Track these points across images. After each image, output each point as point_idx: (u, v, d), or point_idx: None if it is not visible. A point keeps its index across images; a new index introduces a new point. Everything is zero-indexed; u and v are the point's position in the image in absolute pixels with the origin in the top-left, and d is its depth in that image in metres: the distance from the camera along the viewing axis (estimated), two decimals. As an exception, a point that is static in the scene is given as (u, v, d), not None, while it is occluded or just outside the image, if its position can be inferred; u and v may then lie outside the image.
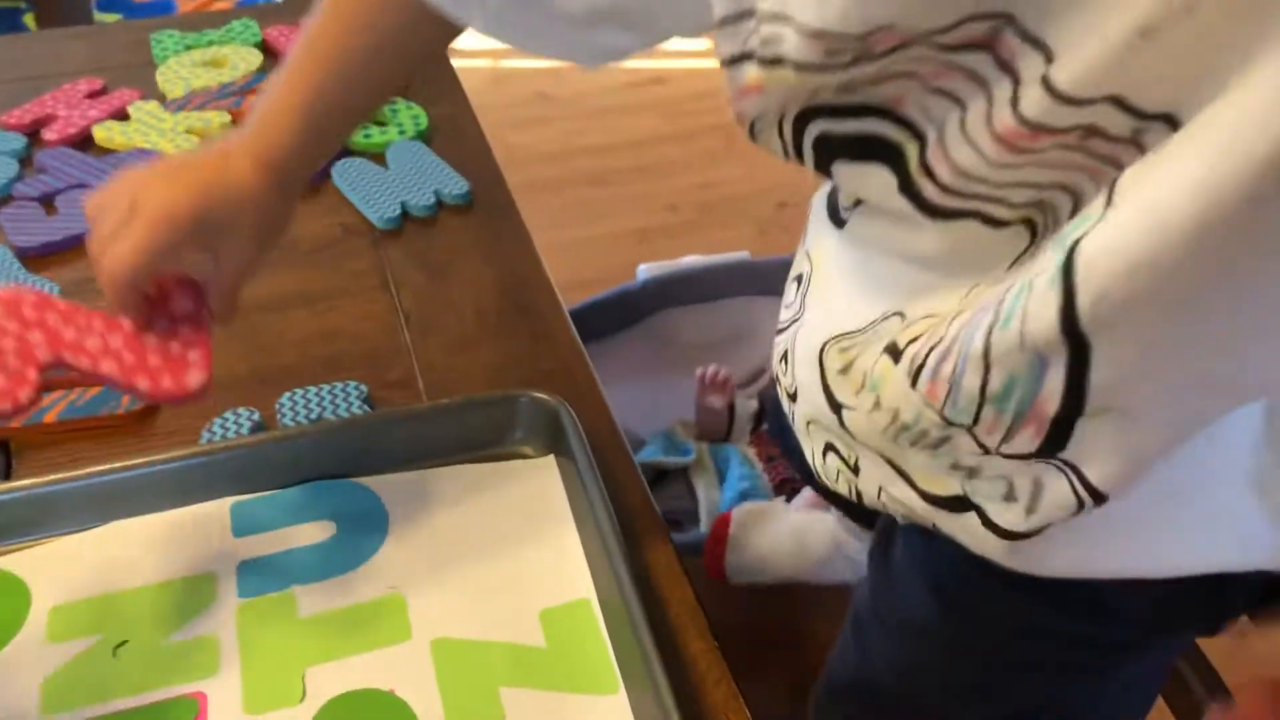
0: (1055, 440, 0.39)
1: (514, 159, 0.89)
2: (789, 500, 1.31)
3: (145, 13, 2.49)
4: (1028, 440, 0.40)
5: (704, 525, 1.41)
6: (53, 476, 0.62)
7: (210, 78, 0.99)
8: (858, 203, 0.46)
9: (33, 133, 0.94)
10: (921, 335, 0.42)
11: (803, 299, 0.53)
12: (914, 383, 0.41)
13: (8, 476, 0.66)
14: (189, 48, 1.04)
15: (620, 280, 1.72)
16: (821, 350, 0.49)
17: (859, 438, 0.47)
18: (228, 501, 0.63)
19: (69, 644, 0.57)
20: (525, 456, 0.66)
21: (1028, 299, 0.36)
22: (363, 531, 0.62)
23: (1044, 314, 0.35)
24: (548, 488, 0.64)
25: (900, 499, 0.49)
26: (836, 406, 0.47)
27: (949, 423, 0.41)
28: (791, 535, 1.21)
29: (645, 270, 1.72)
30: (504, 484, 0.64)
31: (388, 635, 0.57)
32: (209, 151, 0.56)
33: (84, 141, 0.94)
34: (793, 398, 0.53)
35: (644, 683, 0.53)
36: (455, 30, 0.56)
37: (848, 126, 0.40)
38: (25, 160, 0.91)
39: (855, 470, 0.50)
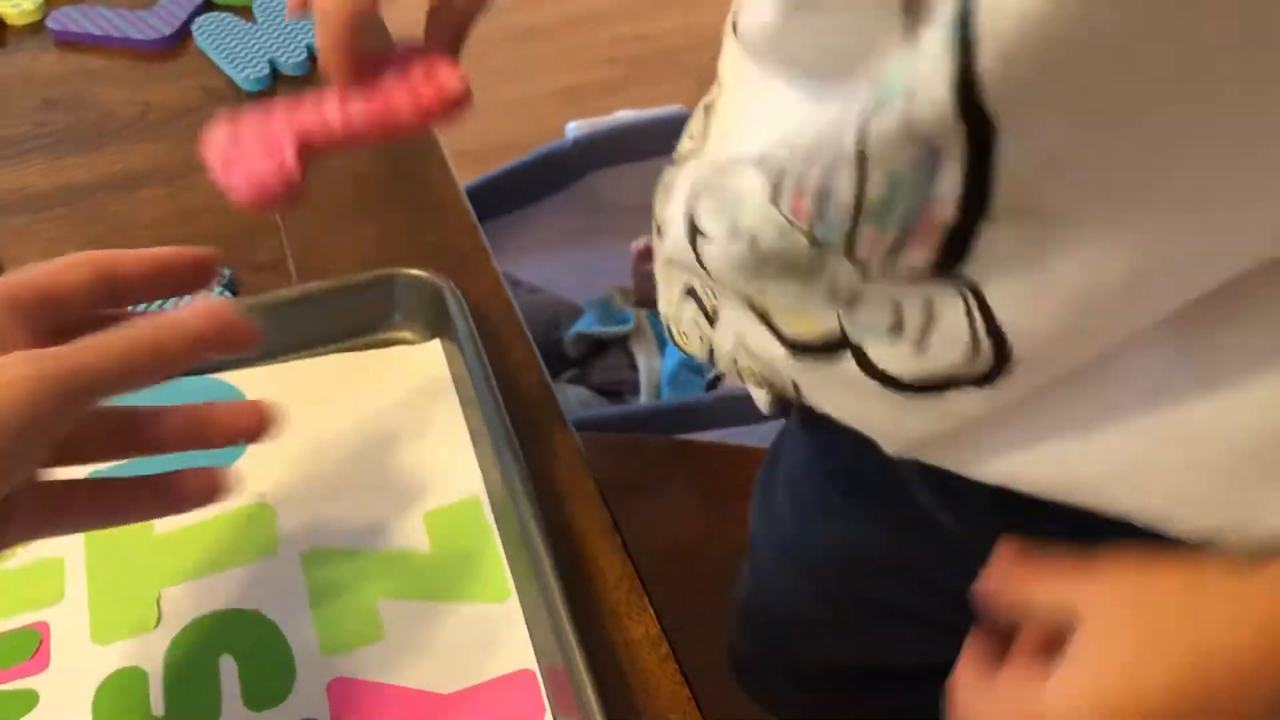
0: (952, 251, 0.31)
1: (407, 21, 0.79)
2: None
3: None
4: (918, 257, 0.32)
5: (644, 395, 1.36)
6: None
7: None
8: None
9: None
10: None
11: (705, 127, 0.46)
12: (774, 197, 0.34)
13: None
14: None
15: (550, 141, 1.62)
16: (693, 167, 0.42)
17: (714, 275, 0.39)
18: (73, 407, 0.56)
19: (-107, 576, 0.50)
20: (406, 342, 0.59)
21: (912, 72, 0.28)
22: (225, 434, 0.55)
23: (934, 86, 0.27)
24: (431, 376, 0.58)
25: (758, 352, 0.41)
26: (694, 234, 0.40)
27: (819, 244, 0.34)
28: None
29: (575, 128, 1.63)
30: (383, 373, 0.58)
31: (253, 550, 0.51)
32: None
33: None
34: (659, 232, 0.46)
35: (535, 587, 0.48)
36: None
37: None
38: None
39: (712, 319, 0.43)
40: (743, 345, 0.42)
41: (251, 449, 0.54)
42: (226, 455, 0.54)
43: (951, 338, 0.34)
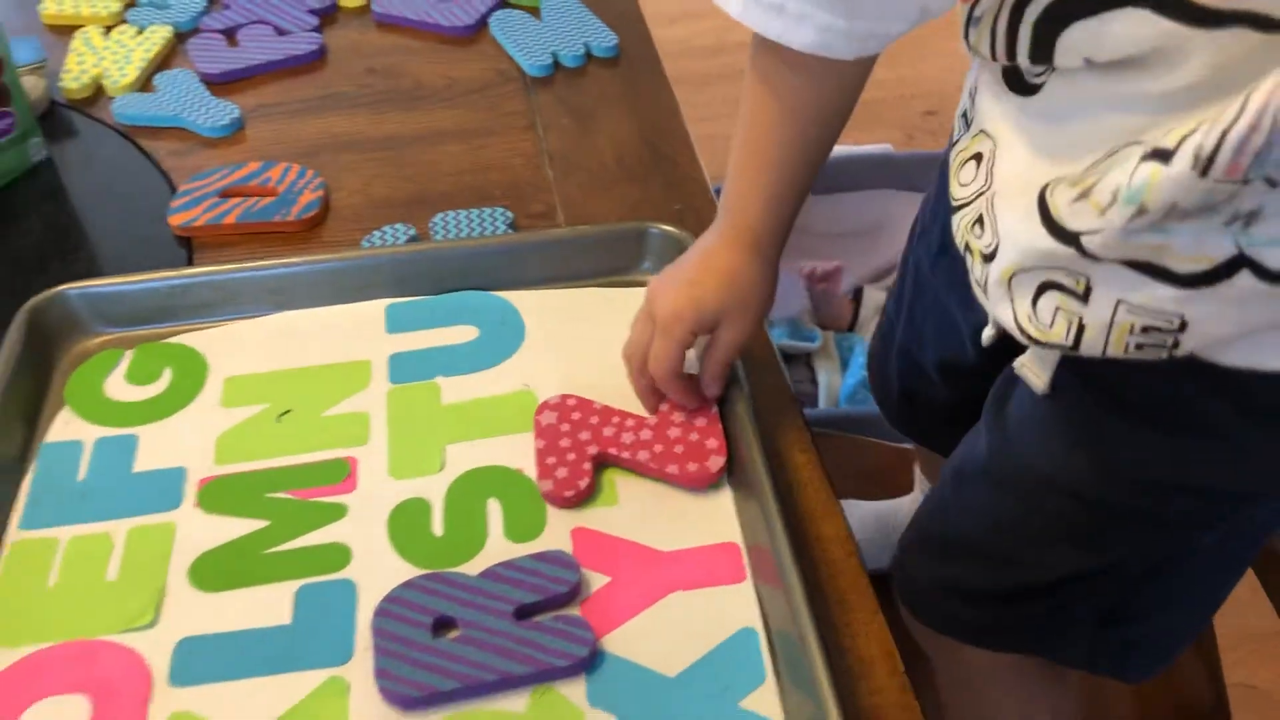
0: None
1: (667, 52, 0.91)
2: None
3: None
4: None
5: (822, 404, 1.44)
6: (232, 265, 0.69)
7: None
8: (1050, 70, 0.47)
9: (219, -27, 1.01)
10: (1198, 129, 0.41)
11: (989, 171, 0.55)
12: (1204, 172, 0.41)
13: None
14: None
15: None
16: (1042, 193, 0.49)
17: (1104, 255, 0.47)
18: (383, 303, 0.69)
19: (240, 409, 0.64)
20: (653, 284, 0.70)
21: None
22: (502, 337, 0.67)
23: None
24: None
25: (1144, 303, 0.48)
26: (1071, 237, 0.48)
27: (1246, 182, 0.41)
28: (876, 522, 1.16)
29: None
30: (630, 307, 0.69)
31: (518, 424, 0.62)
32: (695, 254, 0.62)
33: (265, -16, 1.00)
34: (988, 258, 0.54)
35: (746, 479, 0.57)
36: (859, 81, 0.60)
37: None
38: (212, -3, 0.98)
39: (1085, 297, 0.50)
40: (1124, 303, 0.49)
41: (521, 352, 0.66)
42: (503, 351, 0.66)
43: None
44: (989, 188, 0.54)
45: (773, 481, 0.56)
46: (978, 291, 0.57)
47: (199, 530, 0.58)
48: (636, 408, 0.62)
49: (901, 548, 0.75)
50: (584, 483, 0.58)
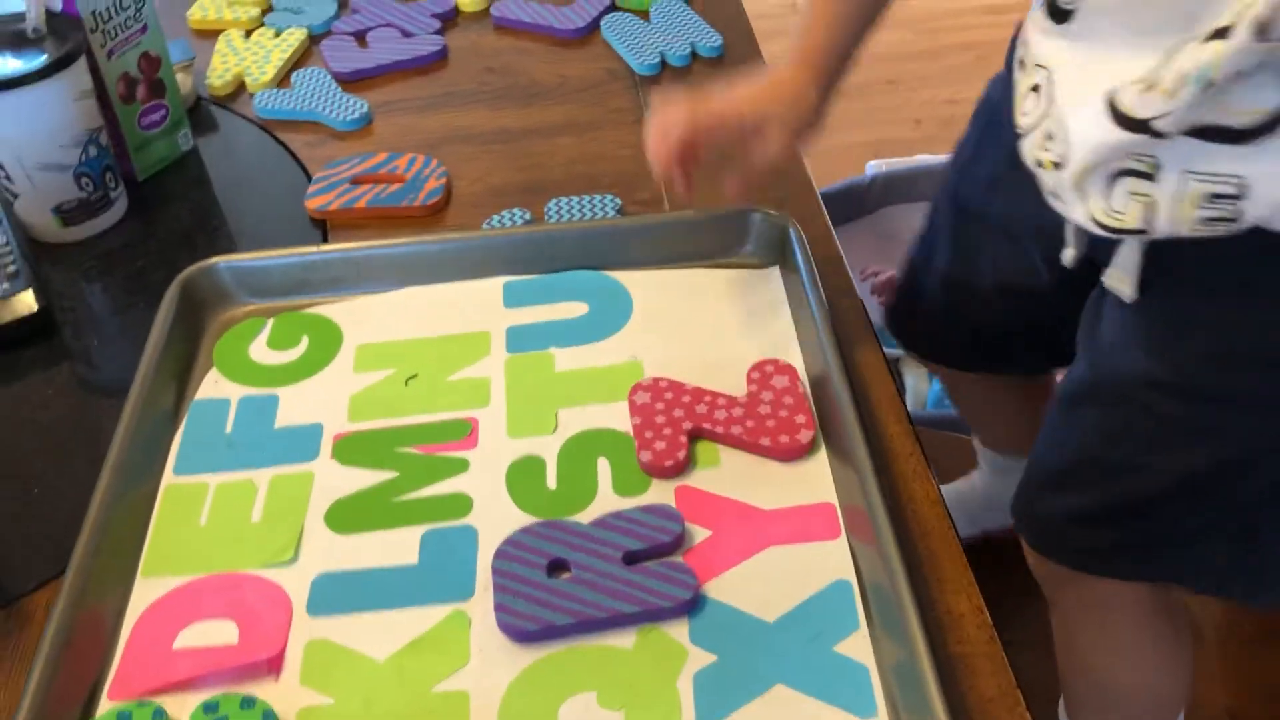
0: None
1: (764, 34, 0.96)
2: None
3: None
4: None
5: (910, 409, 1.46)
6: (365, 243, 0.75)
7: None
8: None
9: (348, -20, 1.08)
10: (1255, 3, 0.47)
11: (1049, 95, 0.60)
12: (1266, 35, 0.47)
13: (326, 248, 0.79)
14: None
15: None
16: (1110, 98, 0.55)
17: (1173, 130, 0.53)
18: (501, 280, 0.74)
19: (371, 374, 0.69)
20: (753, 267, 0.74)
21: None
22: (611, 313, 0.72)
23: None
24: (771, 293, 0.72)
25: (1211, 169, 0.54)
26: (1141, 125, 0.54)
27: None
28: (955, 499, 1.19)
29: (873, 166, 1.76)
30: (733, 287, 0.73)
31: (626, 392, 0.66)
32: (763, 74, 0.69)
33: (390, -10, 1.07)
34: (1059, 165, 0.59)
35: (842, 447, 0.61)
36: None
37: None
38: (343, 2, 1.05)
39: (1154, 176, 0.56)
40: (1189, 173, 0.55)
41: (629, 326, 0.71)
42: (613, 325, 0.70)
43: None
44: (1051, 108, 0.60)
45: (869, 448, 0.59)
46: (1052, 201, 0.62)
47: (334, 479, 0.63)
48: (728, 388, 0.65)
49: (1021, 490, 0.78)
50: (682, 454, 0.62)
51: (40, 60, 0.75)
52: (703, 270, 0.74)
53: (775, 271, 0.74)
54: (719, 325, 0.70)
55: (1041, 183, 0.63)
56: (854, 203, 1.72)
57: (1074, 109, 0.58)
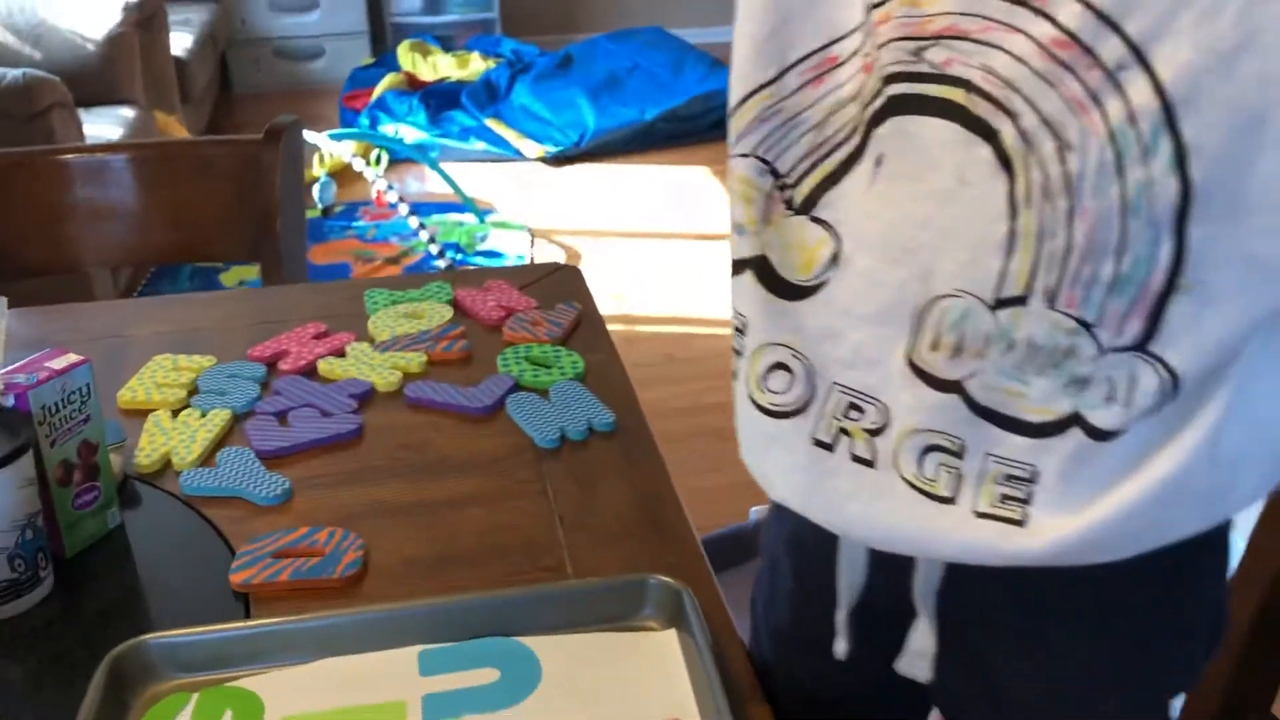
0: (1152, 323, 0.53)
1: (646, 412, 1.09)
2: None
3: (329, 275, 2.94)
4: (1134, 329, 0.54)
5: None
6: (285, 618, 0.80)
7: (410, 326, 1.23)
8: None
9: (271, 364, 1.18)
10: (1037, 272, 0.55)
11: (810, 372, 0.68)
12: (1052, 303, 0.55)
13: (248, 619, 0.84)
14: (394, 302, 1.30)
15: (736, 523, 1.87)
16: (909, 359, 0.61)
17: (983, 398, 0.60)
18: (416, 649, 0.79)
19: (291, 747, 0.73)
20: (651, 630, 0.81)
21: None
22: (521, 678, 0.77)
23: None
24: (669, 656, 0.79)
25: (1008, 454, 0.60)
26: (953, 385, 0.60)
27: (1081, 324, 0.55)
28: None
29: (756, 513, 1.88)
30: (633, 650, 0.80)
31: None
32: None
33: (310, 371, 1.17)
34: (876, 432, 0.65)
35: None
36: None
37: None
38: (264, 385, 1.15)
39: (961, 453, 0.62)
40: (990, 456, 0.61)
41: (539, 691, 0.76)
42: (522, 691, 0.76)
43: (1147, 390, 0.56)
44: (832, 381, 0.66)
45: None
46: (857, 471, 0.67)
47: None
48: None
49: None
50: None
51: (-10, 454, 0.81)
52: (607, 634, 0.81)
53: (673, 634, 0.81)
54: (623, 688, 0.76)
55: (849, 452, 0.67)
56: (741, 547, 1.82)
57: (871, 375, 0.63)
